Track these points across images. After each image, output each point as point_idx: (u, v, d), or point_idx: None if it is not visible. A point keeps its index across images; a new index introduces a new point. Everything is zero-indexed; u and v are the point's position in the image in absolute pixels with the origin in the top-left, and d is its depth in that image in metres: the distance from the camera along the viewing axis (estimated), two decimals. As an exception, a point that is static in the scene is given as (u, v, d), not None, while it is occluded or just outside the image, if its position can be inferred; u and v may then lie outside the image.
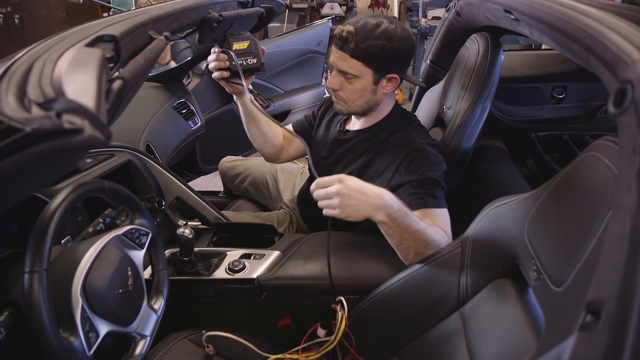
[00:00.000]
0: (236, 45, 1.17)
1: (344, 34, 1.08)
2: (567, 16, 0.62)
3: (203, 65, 2.26)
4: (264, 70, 1.20)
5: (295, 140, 1.44)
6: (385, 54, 1.08)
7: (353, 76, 1.11)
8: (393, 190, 1.12)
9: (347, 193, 0.90)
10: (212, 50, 1.17)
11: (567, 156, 1.67)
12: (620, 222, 0.39)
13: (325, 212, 0.93)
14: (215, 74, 1.18)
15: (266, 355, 1.02)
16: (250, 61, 1.18)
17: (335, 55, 1.12)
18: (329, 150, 1.31)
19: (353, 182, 0.92)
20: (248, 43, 1.18)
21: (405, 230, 0.94)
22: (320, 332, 1.01)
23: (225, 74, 1.17)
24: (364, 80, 1.12)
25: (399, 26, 1.10)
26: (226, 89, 1.23)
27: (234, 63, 1.15)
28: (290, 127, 1.46)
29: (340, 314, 0.96)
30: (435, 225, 1.02)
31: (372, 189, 0.93)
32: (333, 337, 0.96)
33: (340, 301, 0.97)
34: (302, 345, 1.02)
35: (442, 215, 1.06)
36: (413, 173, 1.08)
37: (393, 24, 1.09)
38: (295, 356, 1.00)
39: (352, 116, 1.30)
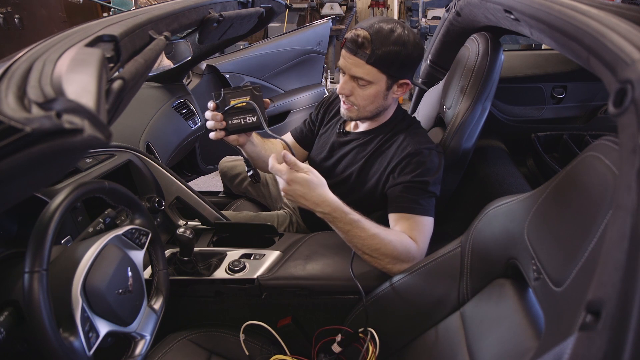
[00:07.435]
0: (234, 101, 1.06)
1: (359, 39, 1.04)
2: (567, 16, 0.62)
3: (203, 65, 2.26)
4: (267, 128, 1.07)
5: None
6: (400, 60, 1.06)
7: (367, 82, 1.08)
8: (385, 191, 1.13)
9: (291, 195, 0.95)
10: (208, 105, 1.06)
11: (567, 156, 1.67)
12: (620, 222, 0.39)
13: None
14: (211, 134, 1.08)
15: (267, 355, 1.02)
16: (249, 119, 1.07)
17: (348, 61, 1.07)
18: (329, 152, 1.30)
19: (298, 187, 0.93)
20: (247, 98, 1.06)
21: (347, 234, 0.98)
22: (336, 348, 1.00)
23: (221, 134, 1.07)
24: (378, 87, 1.10)
25: (411, 32, 1.08)
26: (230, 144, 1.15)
27: (230, 122, 1.06)
28: (289, 135, 1.46)
29: (370, 349, 0.93)
30: (409, 231, 1.02)
31: (313, 197, 0.94)
32: None
33: (371, 334, 0.95)
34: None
35: (420, 222, 1.04)
36: (405, 176, 1.08)
37: (405, 30, 1.07)
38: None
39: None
